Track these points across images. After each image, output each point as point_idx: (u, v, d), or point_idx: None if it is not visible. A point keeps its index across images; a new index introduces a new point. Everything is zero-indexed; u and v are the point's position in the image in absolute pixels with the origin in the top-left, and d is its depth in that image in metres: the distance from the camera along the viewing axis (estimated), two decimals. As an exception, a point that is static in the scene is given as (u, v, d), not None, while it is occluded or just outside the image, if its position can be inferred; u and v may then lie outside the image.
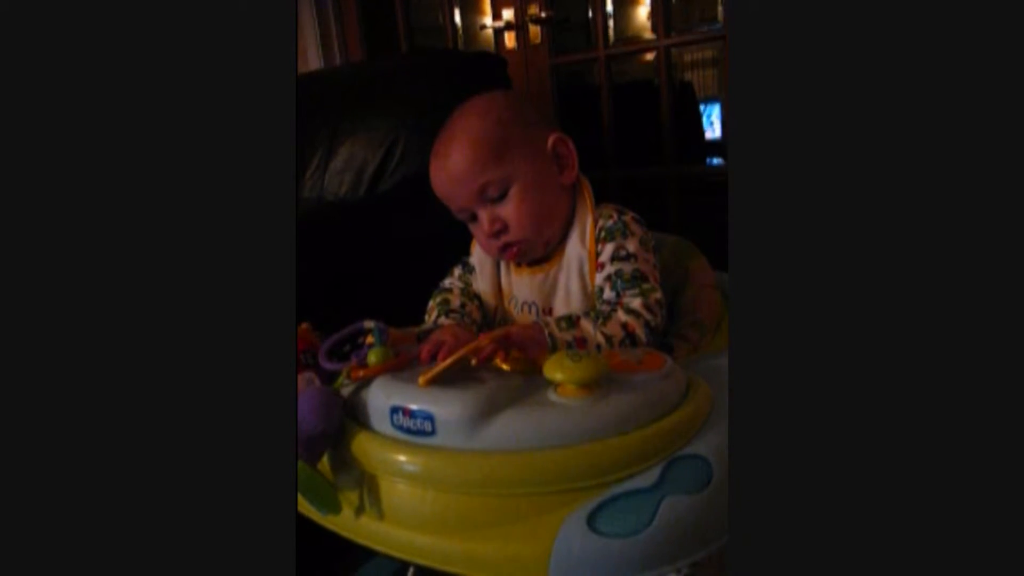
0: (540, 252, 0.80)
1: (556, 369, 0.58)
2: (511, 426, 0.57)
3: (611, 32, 1.92)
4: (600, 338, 0.69)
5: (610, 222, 0.77)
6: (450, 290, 0.88)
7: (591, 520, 0.53)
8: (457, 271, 0.89)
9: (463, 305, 0.85)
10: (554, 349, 0.68)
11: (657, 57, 1.84)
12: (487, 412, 0.57)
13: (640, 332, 0.71)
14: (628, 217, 0.77)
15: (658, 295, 0.73)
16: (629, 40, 2.07)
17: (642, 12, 2.17)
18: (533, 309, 0.81)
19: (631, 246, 0.75)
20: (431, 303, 0.87)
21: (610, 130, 1.92)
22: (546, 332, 0.69)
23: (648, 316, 0.72)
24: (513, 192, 0.76)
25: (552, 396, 0.59)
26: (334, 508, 0.61)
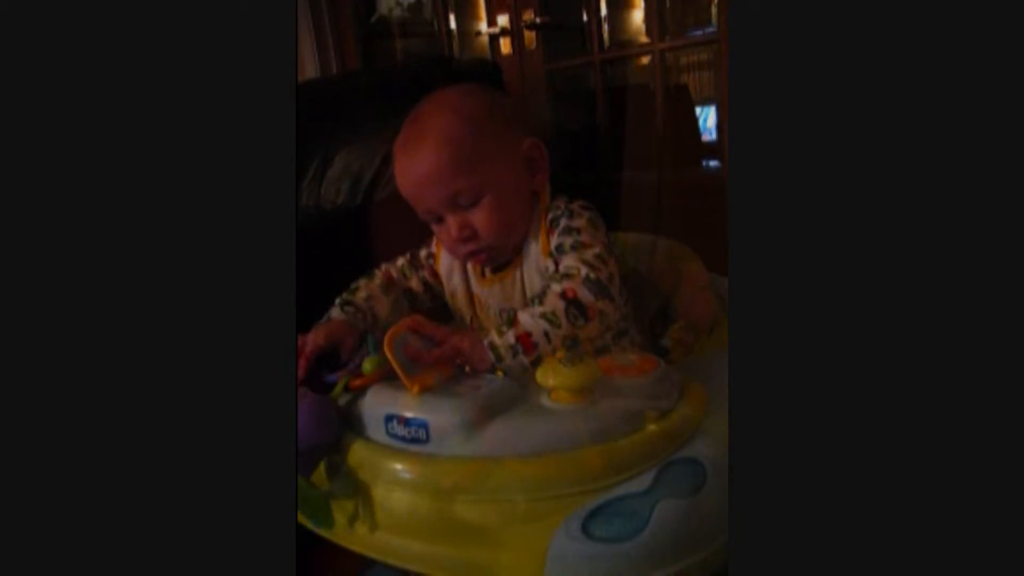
0: (507, 256, 0.78)
1: (549, 375, 0.58)
2: (505, 433, 0.57)
3: (606, 36, 1.92)
4: (543, 324, 0.65)
5: (559, 212, 0.75)
6: (372, 278, 0.84)
7: (585, 525, 0.53)
8: (401, 261, 0.86)
9: (368, 298, 0.81)
10: (497, 358, 0.65)
11: (653, 61, 1.84)
12: (481, 419, 0.57)
13: (581, 292, 0.66)
14: (576, 205, 0.76)
15: (596, 250, 0.70)
16: (624, 44, 2.07)
17: (637, 16, 2.17)
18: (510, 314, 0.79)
19: (576, 223, 0.73)
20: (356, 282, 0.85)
21: (607, 134, 1.92)
22: (486, 343, 0.65)
23: (586, 270, 0.67)
24: (486, 200, 0.73)
25: (545, 402, 0.59)
26: (327, 522, 0.61)
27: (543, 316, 0.65)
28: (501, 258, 0.78)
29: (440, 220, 0.76)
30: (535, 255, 0.76)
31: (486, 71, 1.63)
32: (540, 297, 0.67)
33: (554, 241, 0.74)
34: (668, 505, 0.53)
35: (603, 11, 1.89)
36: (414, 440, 0.59)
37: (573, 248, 0.71)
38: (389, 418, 0.60)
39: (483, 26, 2.02)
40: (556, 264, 0.71)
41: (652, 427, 0.58)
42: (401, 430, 0.59)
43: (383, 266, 0.86)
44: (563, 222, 0.74)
